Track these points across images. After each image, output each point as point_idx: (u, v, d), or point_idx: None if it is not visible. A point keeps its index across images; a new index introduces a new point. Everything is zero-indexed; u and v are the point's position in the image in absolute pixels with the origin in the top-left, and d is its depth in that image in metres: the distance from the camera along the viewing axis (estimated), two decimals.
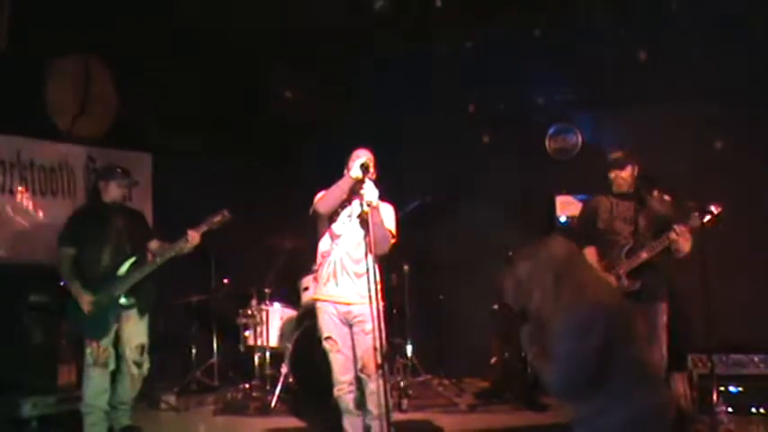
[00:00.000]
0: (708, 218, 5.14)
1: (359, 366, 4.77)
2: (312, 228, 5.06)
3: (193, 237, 5.37)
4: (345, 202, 4.86)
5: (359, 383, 4.81)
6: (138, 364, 5.46)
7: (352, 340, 4.82)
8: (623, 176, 5.45)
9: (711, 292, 5.18)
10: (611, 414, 3.20)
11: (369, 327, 4.63)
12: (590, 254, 5.47)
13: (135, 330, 5.48)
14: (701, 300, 5.20)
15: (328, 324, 4.85)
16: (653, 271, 5.32)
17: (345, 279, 4.80)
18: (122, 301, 5.37)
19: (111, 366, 5.39)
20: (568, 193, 7.19)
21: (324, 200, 4.81)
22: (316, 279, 6.72)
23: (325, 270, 4.89)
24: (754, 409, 5.64)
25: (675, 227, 5.16)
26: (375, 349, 4.58)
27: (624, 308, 3.44)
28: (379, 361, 4.58)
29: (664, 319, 5.29)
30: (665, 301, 5.36)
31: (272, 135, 8.12)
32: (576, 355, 3.22)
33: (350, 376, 4.82)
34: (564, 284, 3.34)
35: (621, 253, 5.34)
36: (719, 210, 5.17)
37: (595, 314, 3.27)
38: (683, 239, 5.16)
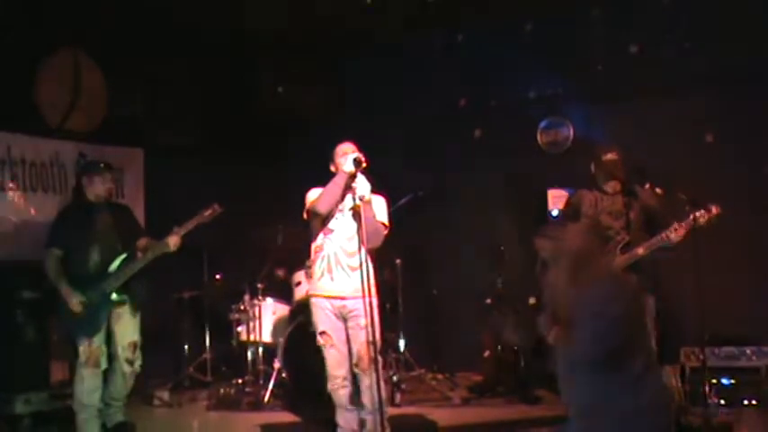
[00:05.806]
0: (706, 216, 5.13)
1: (354, 361, 4.77)
2: (305, 226, 5.03)
3: (178, 231, 5.30)
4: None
5: (354, 378, 4.81)
6: (131, 362, 5.42)
7: (347, 335, 4.81)
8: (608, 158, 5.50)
9: (703, 285, 5.18)
10: (622, 398, 3.29)
11: (363, 321, 4.59)
12: None
13: (127, 328, 5.44)
14: (694, 292, 5.21)
15: (323, 319, 4.83)
16: (639, 265, 5.33)
17: (340, 273, 4.77)
18: (114, 296, 5.33)
19: (104, 365, 5.36)
20: (560, 186, 7.18)
21: (322, 200, 4.75)
22: (308, 275, 6.81)
23: (318, 265, 4.86)
24: (746, 402, 5.67)
25: (675, 225, 5.16)
26: (370, 343, 4.57)
27: (638, 295, 3.73)
28: (374, 355, 4.59)
29: (653, 312, 5.32)
30: (652, 293, 5.38)
31: (265, 131, 8.10)
32: (603, 318, 3.38)
33: (344, 371, 4.81)
34: (580, 270, 3.53)
35: (616, 249, 5.35)
36: (718, 211, 5.16)
37: (618, 288, 3.58)
38: (678, 237, 5.18)
